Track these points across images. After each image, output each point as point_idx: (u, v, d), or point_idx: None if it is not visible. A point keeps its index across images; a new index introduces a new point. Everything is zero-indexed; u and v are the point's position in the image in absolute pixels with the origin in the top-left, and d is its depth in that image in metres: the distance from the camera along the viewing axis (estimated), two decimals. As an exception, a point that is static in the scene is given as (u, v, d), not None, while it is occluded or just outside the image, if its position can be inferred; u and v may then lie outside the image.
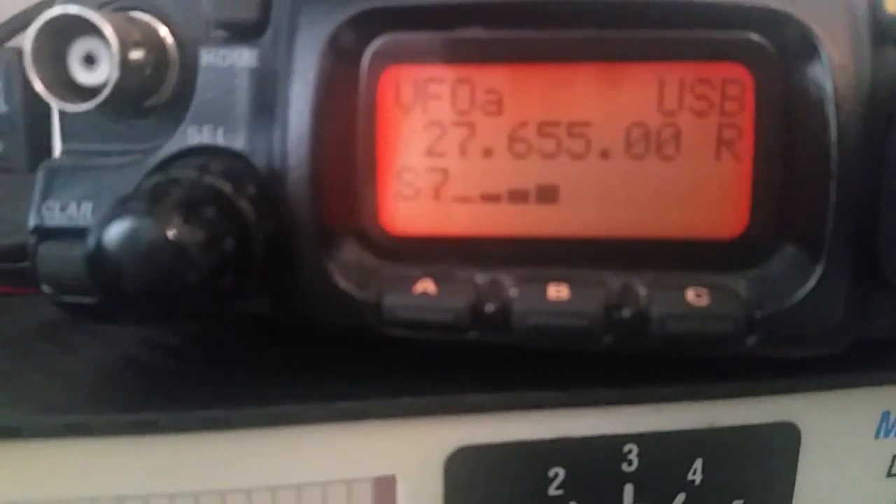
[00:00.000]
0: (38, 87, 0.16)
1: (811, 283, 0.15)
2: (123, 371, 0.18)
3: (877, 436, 0.18)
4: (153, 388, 0.17)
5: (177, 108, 0.17)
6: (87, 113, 0.16)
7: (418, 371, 0.17)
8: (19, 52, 0.57)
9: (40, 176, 0.17)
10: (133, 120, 0.17)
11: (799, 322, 0.15)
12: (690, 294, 0.15)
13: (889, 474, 0.18)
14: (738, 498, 0.17)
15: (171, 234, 0.13)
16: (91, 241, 0.13)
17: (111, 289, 0.13)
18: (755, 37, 0.15)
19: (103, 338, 0.19)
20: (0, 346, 0.19)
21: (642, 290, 0.15)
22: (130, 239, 0.13)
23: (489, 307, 0.15)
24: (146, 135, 0.17)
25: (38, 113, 0.55)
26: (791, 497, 0.18)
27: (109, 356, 0.18)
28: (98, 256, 0.13)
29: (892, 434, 0.18)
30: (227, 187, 0.14)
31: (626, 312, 0.15)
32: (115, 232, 0.13)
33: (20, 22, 0.54)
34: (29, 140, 0.58)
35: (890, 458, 0.18)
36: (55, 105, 0.16)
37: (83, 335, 0.19)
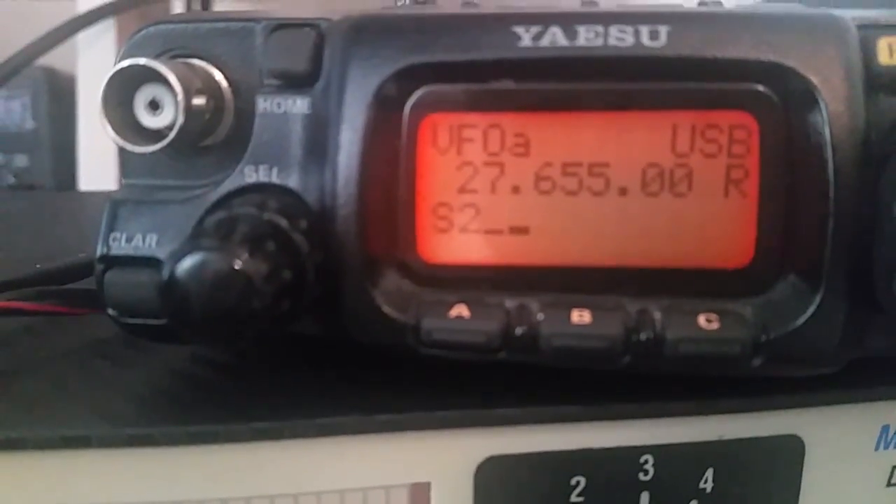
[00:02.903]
0: (109, 131, 0.17)
1: (811, 309, 0.16)
2: (177, 385, 0.19)
3: (877, 448, 0.19)
4: (206, 402, 0.18)
5: (231, 147, 0.18)
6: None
7: (452, 387, 0.18)
8: (46, 71, 0.59)
9: (106, 209, 0.19)
10: (190, 158, 0.19)
11: (800, 344, 0.16)
12: (702, 319, 0.16)
13: (888, 484, 0.19)
14: (747, 505, 0.18)
15: (239, 266, 0.14)
16: (166, 272, 0.15)
17: (183, 313, 0.15)
18: (760, 88, 0.16)
19: (154, 355, 0.20)
20: (60, 362, 0.20)
21: (658, 316, 0.16)
22: (203, 270, 0.14)
23: (518, 330, 0.16)
24: (202, 172, 0.18)
25: (63, 130, 0.57)
26: (796, 505, 0.19)
27: (163, 372, 0.20)
28: (173, 285, 0.15)
29: (892, 447, 0.19)
30: (283, 222, 0.16)
31: (643, 335, 0.16)
32: (190, 264, 0.14)
33: (46, 42, 0.56)
34: (54, 157, 0.60)
35: (889, 469, 0.19)
36: (124, 147, 0.18)
37: (136, 352, 0.21)
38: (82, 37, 0.54)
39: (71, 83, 0.56)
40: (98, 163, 0.53)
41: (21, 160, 0.61)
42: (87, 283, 0.21)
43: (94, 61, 0.54)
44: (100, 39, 0.54)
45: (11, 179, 0.60)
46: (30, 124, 0.61)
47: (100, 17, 0.54)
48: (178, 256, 0.15)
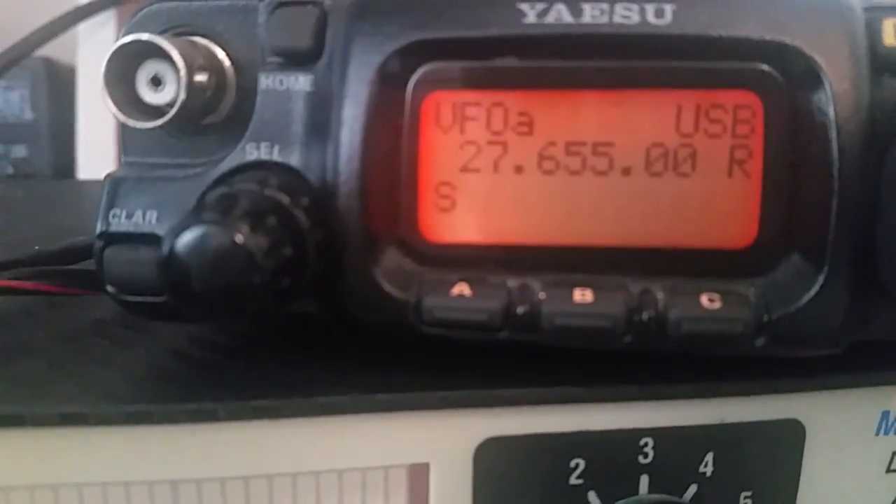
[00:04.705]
0: (110, 105, 0.17)
1: (814, 289, 0.16)
2: (175, 365, 0.19)
3: (877, 433, 0.19)
4: (205, 381, 0.18)
5: (232, 126, 0.18)
6: (149, 129, 0.18)
7: (451, 368, 0.18)
8: (46, 62, 0.59)
9: (105, 186, 0.19)
10: (191, 136, 0.19)
11: (803, 325, 0.16)
12: (704, 299, 0.16)
13: (888, 470, 0.19)
14: (747, 490, 0.18)
15: (240, 240, 0.14)
16: (166, 247, 0.15)
17: (183, 289, 0.15)
18: (765, 67, 0.16)
19: (153, 336, 0.20)
20: (59, 342, 0.20)
21: (660, 295, 0.16)
22: (204, 244, 0.14)
23: (520, 309, 0.16)
24: (202, 150, 0.18)
25: (62, 121, 0.57)
26: (796, 490, 0.19)
27: (161, 352, 0.20)
28: (173, 260, 0.14)
29: (892, 432, 0.19)
30: (284, 199, 0.16)
31: (646, 315, 0.16)
32: (190, 238, 0.14)
33: (46, 32, 0.56)
34: (53, 147, 0.60)
35: (889, 455, 0.19)
36: (125, 122, 0.18)
37: (134, 333, 0.21)
38: (82, 28, 0.54)
39: (70, 74, 0.56)
40: (97, 155, 0.53)
41: (20, 150, 0.60)
42: (86, 267, 0.21)
43: (93, 53, 0.54)
44: (100, 31, 0.54)
45: (10, 170, 0.60)
46: (29, 115, 0.60)
47: (100, 8, 0.54)
48: (178, 230, 0.15)
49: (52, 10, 0.53)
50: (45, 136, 0.60)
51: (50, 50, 0.54)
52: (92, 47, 0.55)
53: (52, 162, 0.59)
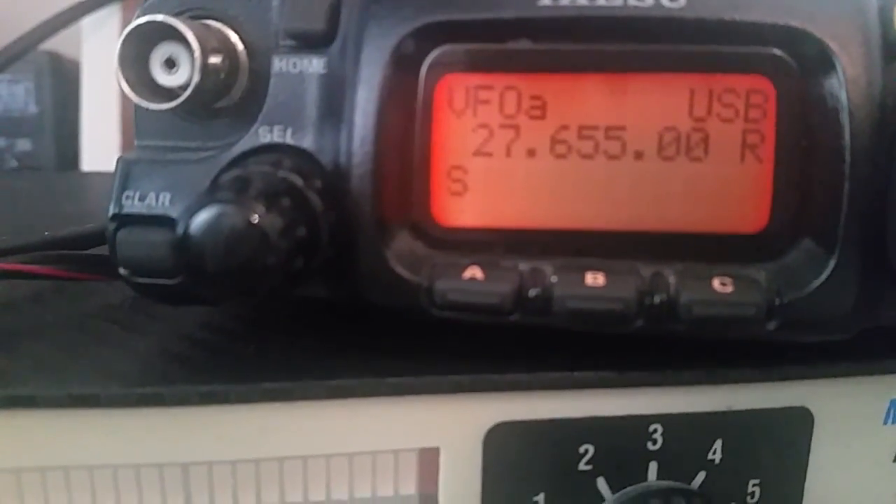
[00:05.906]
0: (125, 87, 0.17)
1: (825, 274, 0.16)
2: (187, 348, 0.19)
3: (885, 422, 0.19)
4: (217, 364, 0.18)
5: (244, 109, 0.18)
6: (162, 112, 0.18)
7: (462, 352, 0.18)
8: (50, 55, 0.59)
9: (118, 168, 0.19)
10: (204, 119, 0.19)
11: (814, 309, 0.16)
12: (716, 283, 0.16)
13: (895, 459, 0.19)
14: (755, 477, 0.18)
15: (255, 220, 0.14)
16: (181, 227, 0.15)
17: (198, 268, 0.15)
18: (777, 52, 0.16)
19: (163, 319, 0.20)
20: (68, 326, 0.20)
21: (672, 279, 0.16)
22: (219, 224, 0.14)
23: (532, 292, 0.16)
24: (215, 133, 0.18)
25: (66, 115, 0.57)
26: (804, 477, 0.19)
27: (171, 336, 0.20)
28: (188, 240, 0.14)
29: (900, 422, 0.19)
30: (298, 181, 0.16)
31: (657, 298, 0.16)
32: (205, 218, 0.14)
33: (50, 26, 0.56)
34: (57, 140, 0.60)
35: (896, 444, 0.19)
36: (138, 104, 0.18)
37: (144, 317, 0.21)
38: (87, 22, 0.54)
39: (75, 68, 0.56)
40: (101, 148, 0.53)
41: (24, 144, 0.60)
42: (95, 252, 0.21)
43: (98, 47, 0.54)
44: (105, 25, 0.54)
45: (14, 163, 0.60)
46: (33, 108, 0.60)
47: (105, 2, 0.54)
48: (193, 210, 0.15)
49: (56, 3, 0.53)
50: (49, 130, 0.60)
51: (54, 44, 0.54)
52: (96, 41, 0.55)
53: (57, 155, 0.59)
